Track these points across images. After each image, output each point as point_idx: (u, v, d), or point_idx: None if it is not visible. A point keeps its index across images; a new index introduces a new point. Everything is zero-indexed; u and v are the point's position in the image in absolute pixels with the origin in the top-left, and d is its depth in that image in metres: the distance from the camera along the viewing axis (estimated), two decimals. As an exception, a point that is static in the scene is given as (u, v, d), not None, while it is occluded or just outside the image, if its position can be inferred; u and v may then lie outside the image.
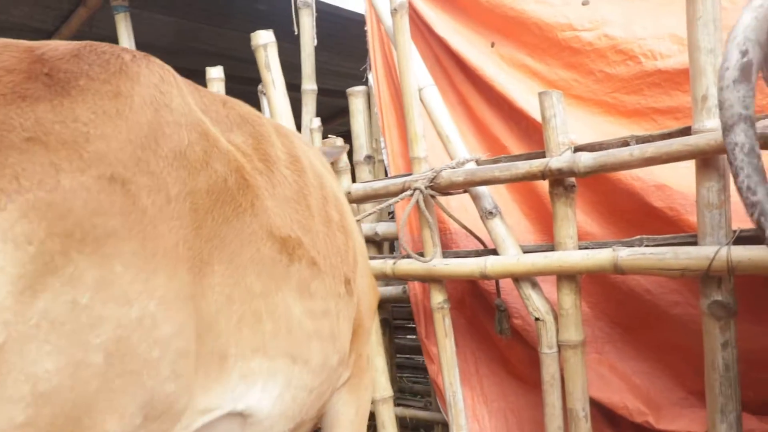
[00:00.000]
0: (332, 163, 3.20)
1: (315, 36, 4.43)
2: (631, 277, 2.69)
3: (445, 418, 3.45)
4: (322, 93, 4.81)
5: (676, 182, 2.55)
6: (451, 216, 2.94)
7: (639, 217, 2.66)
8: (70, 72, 1.05)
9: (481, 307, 3.22)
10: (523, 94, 3.02)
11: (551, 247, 2.64)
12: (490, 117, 3.21)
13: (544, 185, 2.95)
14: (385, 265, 3.02)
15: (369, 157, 3.81)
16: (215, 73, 3.93)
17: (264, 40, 3.31)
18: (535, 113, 2.91)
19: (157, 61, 1.22)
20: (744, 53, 1.18)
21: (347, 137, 3.82)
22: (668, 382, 2.71)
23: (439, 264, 2.83)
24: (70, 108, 1.01)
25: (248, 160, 1.38)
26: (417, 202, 2.77)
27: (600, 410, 2.78)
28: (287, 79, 4.42)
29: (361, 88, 3.87)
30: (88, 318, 0.95)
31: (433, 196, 2.81)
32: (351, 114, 3.87)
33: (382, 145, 3.61)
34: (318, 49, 4.69)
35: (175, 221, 1.11)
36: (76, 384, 0.94)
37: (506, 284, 2.99)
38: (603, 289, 2.83)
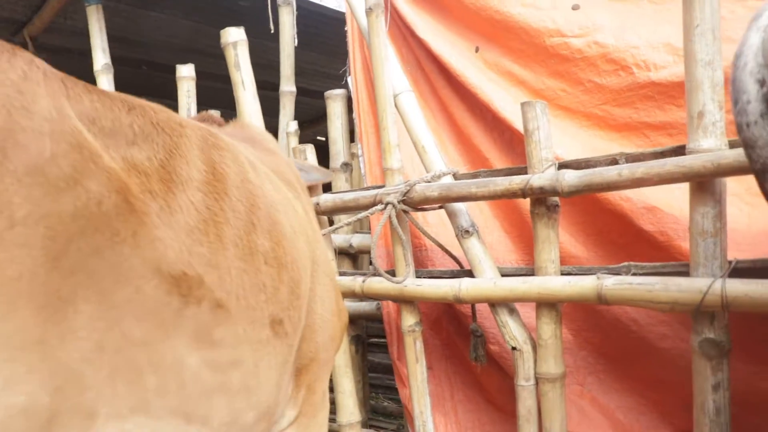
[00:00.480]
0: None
1: (295, 36, 4.24)
2: (616, 306, 2.48)
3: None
4: (305, 94, 4.59)
5: (668, 204, 2.35)
6: (425, 233, 2.74)
7: (627, 241, 2.45)
8: None
9: (457, 331, 3.02)
10: (508, 104, 2.81)
11: (531, 271, 2.43)
12: (472, 126, 3.00)
13: (524, 202, 2.76)
14: (354, 283, 2.81)
15: (346, 165, 3.61)
16: (185, 72, 3.74)
17: (234, 37, 3.11)
18: (520, 124, 2.71)
19: (26, 55, 0.98)
20: (762, 83, 0.99)
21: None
22: (655, 419, 2.51)
23: (411, 285, 2.62)
24: None
25: (141, 181, 1.12)
26: (389, 217, 2.56)
27: (580, 447, 2.58)
28: (272, 80, 4.21)
29: (340, 91, 3.67)
30: None
31: (405, 212, 2.60)
32: (329, 118, 3.67)
33: (360, 152, 3.40)
34: (303, 49, 4.49)
35: (19, 249, 0.88)
36: None
37: (484, 307, 2.78)
38: (587, 316, 2.62)
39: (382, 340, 4.21)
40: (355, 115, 3.44)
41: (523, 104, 2.36)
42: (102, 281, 1.02)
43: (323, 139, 3.26)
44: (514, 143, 2.84)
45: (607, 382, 2.63)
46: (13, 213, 0.86)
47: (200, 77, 3.98)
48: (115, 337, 1.05)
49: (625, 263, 2.24)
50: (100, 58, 4.29)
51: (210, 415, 1.29)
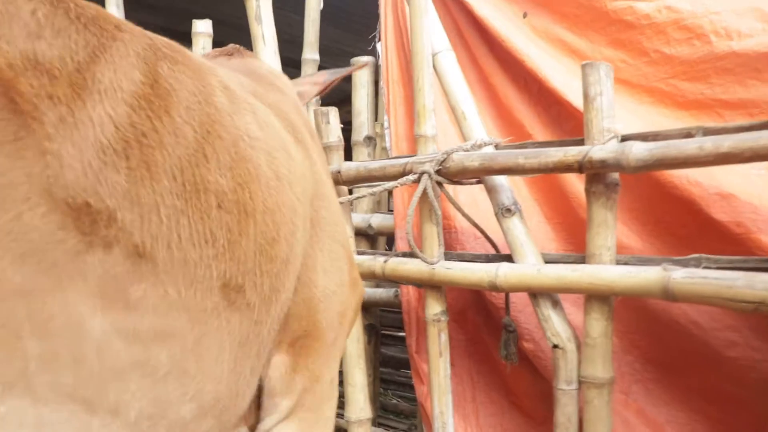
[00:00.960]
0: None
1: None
2: (676, 306, 2.17)
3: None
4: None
5: (746, 192, 2.03)
6: (459, 209, 2.42)
7: (691, 232, 2.14)
8: None
9: (486, 324, 2.70)
10: (558, 74, 2.50)
11: (581, 259, 2.12)
12: (514, 98, 2.69)
13: (574, 183, 2.45)
14: (375, 263, 2.50)
15: (370, 138, 3.31)
16: (202, 27, 3.44)
17: (257, -14, 2.80)
18: (573, 97, 2.40)
19: None
20: None
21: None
22: (711, 438, 2.19)
23: (441, 267, 2.31)
24: None
25: (41, 82, 0.81)
26: (424, 189, 2.25)
27: (621, 464, 2.26)
28: (295, 56, 3.91)
29: (367, 58, 3.37)
30: None
31: (440, 184, 2.29)
32: (353, 87, 3.37)
33: (386, 124, 3.09)
34: (327, 25, 4.19)
35: None
36: None
37: (518, 299, 2.48)
38: (637, 316, 2.31)
39: (396, 332, 3.92)
40: (382, 83, 3.13)
41: (584, 65, 2.04)
42: None
43: (347, 123, 2.96)
44: (561, 119, 2.53)
45: (656, 392, 2.31)
46: None
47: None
48: None
49: (695, 255, 1.92)
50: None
51: (123, 403, 0.95)
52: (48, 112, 0.81)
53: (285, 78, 1.93)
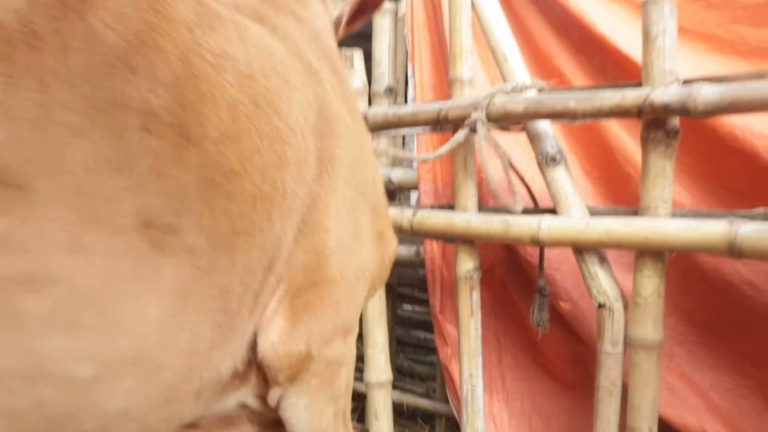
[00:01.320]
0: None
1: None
2: (729, 264, 2.03)
3: (451, 412, 2.81)
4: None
5: (814, 143, 1.89)
6: (504, 158, 2.23)
7: (753, 188, 1.99)
8: None
9: (516, 283, 2.57)
10: (605, 20, 2.34)
11: (632, 212, 1.98)
12: (554, 46, 2.52)
13: (618, 134, 2.30)
14: (402, 217, 2.35)
15: (390, 90, 3.13)
16: None
17: None
18: (622, 43, 2.24)
19: None
20: None
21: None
22: (759, 405, 2.07)
23: (476, 221, 2.16)
24: None
25: None
26: (470, 135, 2.07)
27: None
28: None
29: (389, 5, 3.18)
30: None
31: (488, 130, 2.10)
32: (374, 36, 3.18)
33: (409, 72, 2.92)
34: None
35: None
36: None
37: (554, 255, 2.34)
38: (683, 276, 2.17)
39: (414, 291, 3.78)
40: (407, 30, 2.95)
41: (645, 2, 1.87)
42: None
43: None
44: (607, 67, 2.37)
45: (701, 356, 2.19)
46: None
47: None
48: None
49: (761, 208, 1.78)
50: None
51: None
52: None
53: (313, 4, 1.72)
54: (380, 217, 1.47)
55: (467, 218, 2.18)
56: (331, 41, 1.60)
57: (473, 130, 2.04)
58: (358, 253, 1.34)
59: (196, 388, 1.08)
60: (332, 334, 1.30)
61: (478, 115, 2.01)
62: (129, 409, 0.96)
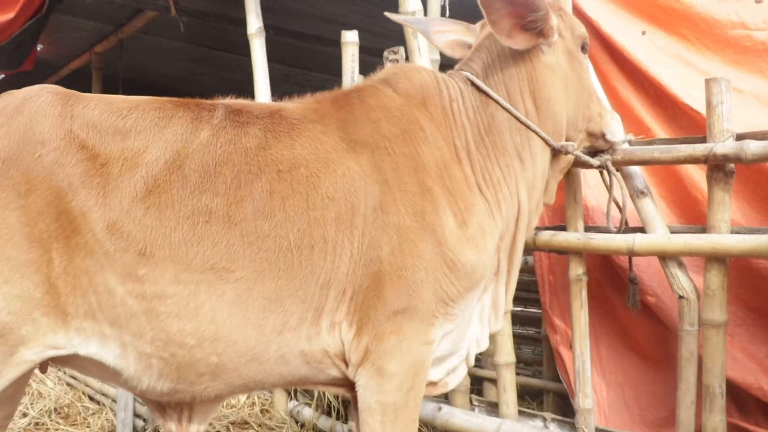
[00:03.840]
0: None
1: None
2: (776, 265, 2.78)
3: (557, 388, 3.61)
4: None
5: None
6: (614, 190, 2.90)
7: (790, 209, 2.74)
8: None
9: (609, 282, 3.34)
10: (675, 81, 3.10)
11: (701, 230, 2.74)
12: (634, 100, 3.29)
13: (686, 169, 3.05)
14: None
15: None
16: (350, 37, 4.00)
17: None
18: (689, 101, 3.00)
19: (46, 97, 2.01)
20: None
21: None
22: (802, 369, 2.81)
23: (584, 237, 2.95)
24: None
25: (123, 158, 1.98)
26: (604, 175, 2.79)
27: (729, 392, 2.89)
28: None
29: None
30: None
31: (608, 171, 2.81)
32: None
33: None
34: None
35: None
36: None
37: (640, 262, 3.10)
38: (740, 273, 2.91)
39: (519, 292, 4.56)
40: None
41: (708, 80, 2.65)
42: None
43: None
44: (677, 117, 3.13)
45: (757, 334, 2.93)
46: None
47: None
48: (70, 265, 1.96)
49: (797, 225, 2.54)
50: (254, 22, 4.50)
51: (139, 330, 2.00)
52: (114, 169, 2.00)
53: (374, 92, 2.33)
54: (452, 250, 2.14)
55: (577, 236, 2.97)
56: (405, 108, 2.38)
57: (605, 168, 2.76)
58: (414, 275, 2.08)
59: (278, 356, 2.05)
60: (385, 337, 2.09)
61: (606, 159, 2.73)
62: (225, 363, 2.01)
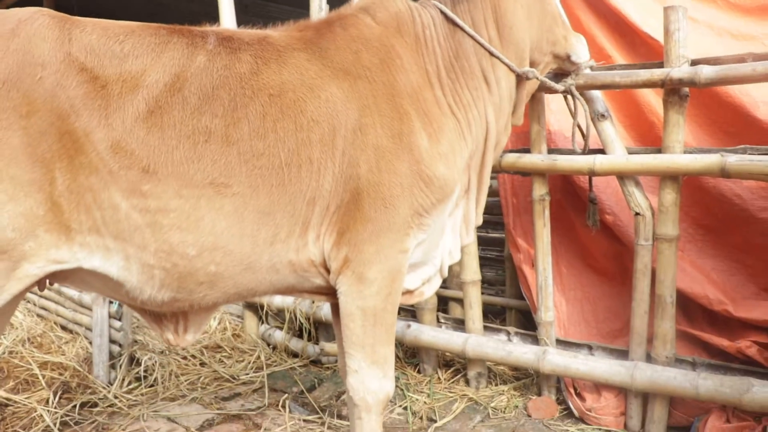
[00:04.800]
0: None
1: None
2: (723, 183, 2.98)
3: (520, 304, 3.84)
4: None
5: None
6: (586, 112, 3.02)
7: (739, 130, 2.93)
8: None
9: (570, 203, 3.53)
10: (635, 10, 3.24)
11: (657, 150, 2.92)
12: (596, 29, 3.42)
13: (644, 94, 3.22)
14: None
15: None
16: None
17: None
18: (648, 29, 3.15)
19: (42, 19, 2.01)
20: None
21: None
22: (743, 279, 3.06)
23: (548, 159, 3.11)
24: None
25: (121, 79, 2.05)
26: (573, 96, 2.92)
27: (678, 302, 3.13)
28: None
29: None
30: None
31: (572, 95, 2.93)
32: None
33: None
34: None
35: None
36: None
37: (599, 182, 3.28)
38: (691, 193, 3.12)
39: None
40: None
41: (666, 8, 2.78)
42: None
43: None
44: (636, 44, 3.28)
45: (705, 249, 3.17)
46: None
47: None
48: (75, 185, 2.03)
49: (742, 146, 2.72)
50: None
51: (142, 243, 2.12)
52: (114, 88, 2.04)
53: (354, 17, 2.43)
54: (427, 165, 2.29)
55: (541, 158, 3.12)
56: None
57: (569, 92, 2.89)
58: (387, 189, 2.23)
59: (269, 265, 2.22)
60: (363, 245, 2.26)
61: (571, 81, 2.87)
62: (222, 271, 2.16)
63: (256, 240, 2.13)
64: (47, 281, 2.19)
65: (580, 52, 2.75)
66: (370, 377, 2.32)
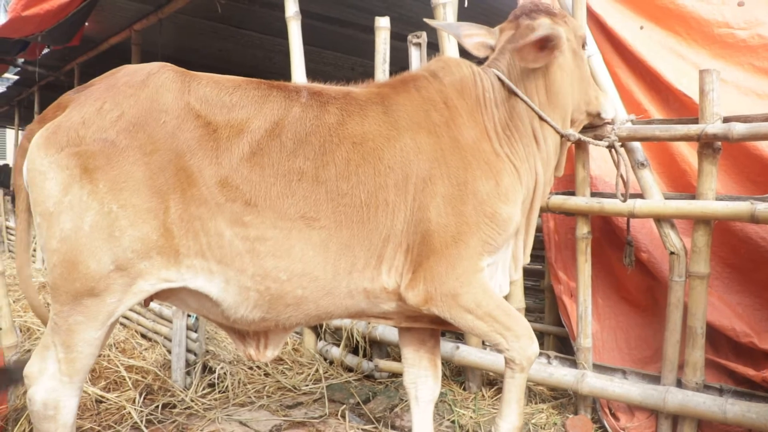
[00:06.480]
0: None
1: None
2: (749, 226, 3.34)
3: (558, 330, 4.19)
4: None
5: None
6: (623, 162, 3.38)
7: (766, 180, 3.30)
8: None
9: (608, 241, 3.89)
10: (669, 70, 3.64)
11: (691, 197, 3.29)
12: (633, 85, 3.82)
13: (677, 145, 3.60)
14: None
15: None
16: (383, 23, 4.42)
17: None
18: (682, 87, 3.54)
19: (165, 72, 2.43)
20: None
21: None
22: (767, 314, 3.39)
23: (593, 201, 3.48)
24: None
25: (230, 126, 2.41)
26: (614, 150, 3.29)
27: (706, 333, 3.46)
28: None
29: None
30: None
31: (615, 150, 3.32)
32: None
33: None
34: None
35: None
36: (76, 237, 2.24)
37: (636, 224, 3.64)
38: (719, 234, 3.47)
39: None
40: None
41: (701, 71, 3.18)
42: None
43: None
44: (670, 100, 3.67)
45: (731, 285, 3.51)
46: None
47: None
48: (186, 215, 2.39)
49: (768, 195, 3.09)
50: (291, 6, 4.70)
51: (242, 267, 2.44)
52: (224, 132, 2.43)
53: (422, 78, 2.81)
54: (482, 202, 2.61)
55: (586, 201, 3.50)
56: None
57: (612, 147, 3.27)
58: (455, 230, 2.57)
59: (346, 291, 2.58)
60: (441, 277, 2.57)
61: (613, 138, 3.25)
62: (307, 295, 2.52)
63: (337, 269, 2.47)
64: (151, 299, 2.54)
65: (608, 110, 3.10)
66: (524, 347, 2.71)
